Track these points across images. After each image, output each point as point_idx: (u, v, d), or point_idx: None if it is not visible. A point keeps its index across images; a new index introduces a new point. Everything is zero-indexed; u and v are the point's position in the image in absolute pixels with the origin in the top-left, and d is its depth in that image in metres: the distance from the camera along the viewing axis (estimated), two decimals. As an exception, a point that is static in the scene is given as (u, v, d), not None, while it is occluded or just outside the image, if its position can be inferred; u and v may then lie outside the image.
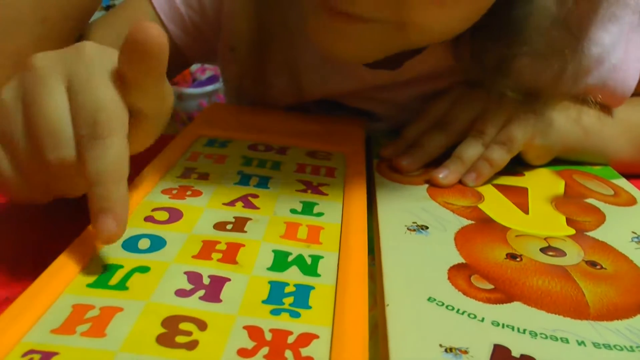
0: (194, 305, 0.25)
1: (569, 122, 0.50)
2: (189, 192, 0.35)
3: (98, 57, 0.29)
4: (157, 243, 0.29)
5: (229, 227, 0.31)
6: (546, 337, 0.27)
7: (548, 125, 0.48)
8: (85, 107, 0.27)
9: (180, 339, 0.22)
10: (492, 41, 0.44)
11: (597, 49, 0.50)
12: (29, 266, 0.34)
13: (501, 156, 0.45)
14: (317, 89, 0.55)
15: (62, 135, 0.27)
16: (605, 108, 0.54)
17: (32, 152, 0.28)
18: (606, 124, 0.52)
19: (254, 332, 0.23)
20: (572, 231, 0.38)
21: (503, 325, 0.27)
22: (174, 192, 0.35)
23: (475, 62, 0.47)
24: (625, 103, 0.56)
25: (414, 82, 0.54)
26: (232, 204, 0.34)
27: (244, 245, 0.29)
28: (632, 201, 0.44)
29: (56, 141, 0.27)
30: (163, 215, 0.32)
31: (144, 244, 0.29)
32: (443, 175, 0.43)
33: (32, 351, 0.22)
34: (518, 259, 0.33)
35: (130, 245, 0.29)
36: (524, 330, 0.27)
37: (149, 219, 0.32)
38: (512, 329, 0.27)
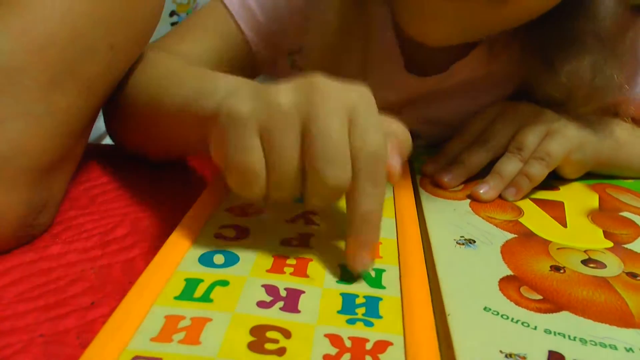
0: (276, 316, 0.27)
1: (603, 137, 0.52)
2: (251, 210, 0.38)
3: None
4: (231, 258, 0.32)
5: (294, 243, 0.34)
6: (596, 344, 0.29)
7: (584, 141, 0.50)
8: (366, 148, 0.30)
9: (269, 346, 0.25)
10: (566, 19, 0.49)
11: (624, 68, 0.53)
12: (111, 273, 0.37)
13: (540, 171, 0.47)
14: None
15: (346, 160, 0.30)
16: (637, 122, 0.56)
17: (298, 171, 0.31)
18: (639, 139, 0.54)
19: (334, 339, 0.25)
20: (610, 244, 0.40)
21: (555, 333, 0.29)
22: (237, 210, 0.38)
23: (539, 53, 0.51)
24: None
25: (455, 91, 0.57)
26: (293, 220, 0.37)
27: (311, 260, 0.32)
28: (665, 214, 0.46)
29: (341, 164, 0.30)
30: (231, 232, 0.35)
31: (218, 259, 0.32)
32: (484, 190, 0.46)
33: (138, 357, 0.24)
34: (562, 271, 0.36)
35: (206, 260, 0.32)
36: (575, 338, 0.29)
37: (218, 235, 0.34)
38: (564, 336, 0.29)
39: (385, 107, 0.58)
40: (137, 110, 0.48)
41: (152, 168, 0.53)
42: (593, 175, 0.53)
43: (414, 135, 0.60)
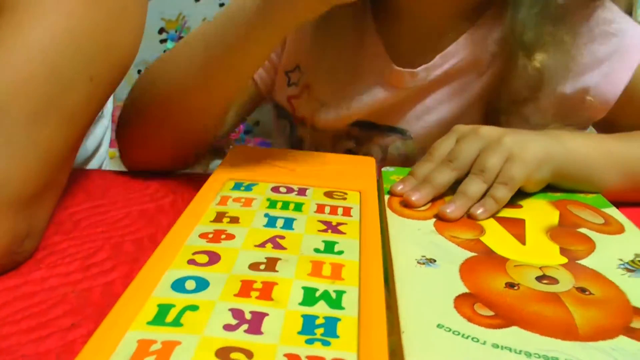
0: (240, 338, 0.29)
1: (562, 153, 0.55)
2: (223, 236, 0.40)
3: None
4: (202, 284, 0.34)
5: (262, 267, 0.36)
6: (539, 357, 0.31)
7: (543, 160, 0.53)
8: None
9: (232, 366, 0.27)
10: None
11: (603, 49, 0.64)
12: (91, 296, 0.39)
13: (504, 194, 0.50)
14: (362, 103, 0.68)
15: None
16: (597, 140, 0.60)
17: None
18: (598, 157, 0.58)
19: (293, 358, 0.28)
20: (564, 260, 0.42)
21: (502, 347, 0.32)
22: (210, 236, 0.40)
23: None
24: (617, 136, 0.61)
25: (442, 83, 0.67)
26: (262, 245, 0.39)
27: (277, 284, 0.34)
28: (620, 229, 0.48)
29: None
30: (203, 258, 0.37)
31: (190, 285, 0.34)
32: (450, 210, 0.48)
33: (111, 380, 0.26)
34: (516, 288, 0.38)
35: (179, 286, 0.34)
36: (520, 351, 0.31)
37: (191, 262, 0.36)
38: (510, 350, 0.31)
39: (381, 107, 0.65)
40: (179, 86, 0.57)
41: (134, 193, 0.56)
42: (557, 189, 0.56)
43: (406, 136, 0.67)
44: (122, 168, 0.63)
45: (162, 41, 2.70)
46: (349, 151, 0.73)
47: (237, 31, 0.53)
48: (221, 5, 2.71)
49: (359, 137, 0.72)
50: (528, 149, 0.52)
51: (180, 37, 2.73)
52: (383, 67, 0.67)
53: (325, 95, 0.69)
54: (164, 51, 2.40)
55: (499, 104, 0.66)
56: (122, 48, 0.50)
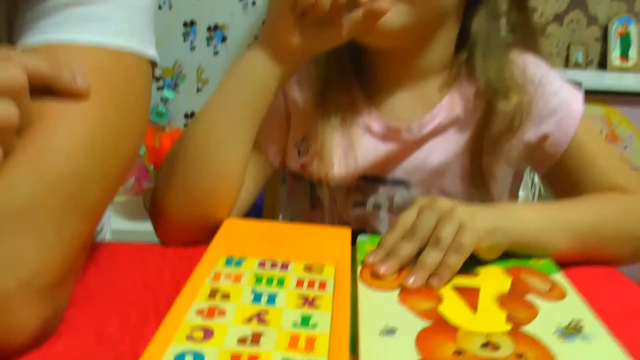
0: (229, 407, 0.36)
1: (512, 222, 0.63)
2: (216, 312, 0.47)
3: None
4: (198, 358, 0.41)
5: (248, 341, 0.43)
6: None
7: (493, 227, 0.61)
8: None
9: None
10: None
11: (555, 101, 0.78)
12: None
13: (456, 261, 0.58)
14: (367, 159, 0.80)
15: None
16: (545, 209, 0.68)
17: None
18: (547, 224, 0.66)
19: None
20: (510, 327, 0.50)
21: (443, 409, 0.39)
22: (205, 312, 0.47)
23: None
24: (564, 202, 0.70)
25: (432, 137, 0.79)
26: (249, 320, 0.46)
27: (260, 356, 0.41)
28: (562, 295, 0.56)
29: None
30: (199, 334, 0.44)
31: (189, 359, 0.41)
32: (411, 281, 0.56)
33: None
34: (462, 355, 0.45)
35: (179, 360, 0.41)
36: (458, 412, 0.39)
37: (189, 337, 0.44)
38: (450, 411, 0.39)
39: (382, 161, 0.81)
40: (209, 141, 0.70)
41: (137, 265, 0.63)
42: (512, 255, 0.63)
43: (408, 185, 0.77)
44: (119, 215, 0.70)
45: (159, 89, 2.79)
46: (359, 203, 0.84)
47: (253, 82, 0.71)
48: (215, 53, 2.81)
49: (366, 189, 0.83)
50: (478, 218, 0.60)
51: (176, 85, 2.83)
52: (380, 126, 0.80)
53: (333, 158, 0.80)
54: (161, 98, 2.47)
55: (483, 146, 0.78)
56: (131, 142, 0.57)
